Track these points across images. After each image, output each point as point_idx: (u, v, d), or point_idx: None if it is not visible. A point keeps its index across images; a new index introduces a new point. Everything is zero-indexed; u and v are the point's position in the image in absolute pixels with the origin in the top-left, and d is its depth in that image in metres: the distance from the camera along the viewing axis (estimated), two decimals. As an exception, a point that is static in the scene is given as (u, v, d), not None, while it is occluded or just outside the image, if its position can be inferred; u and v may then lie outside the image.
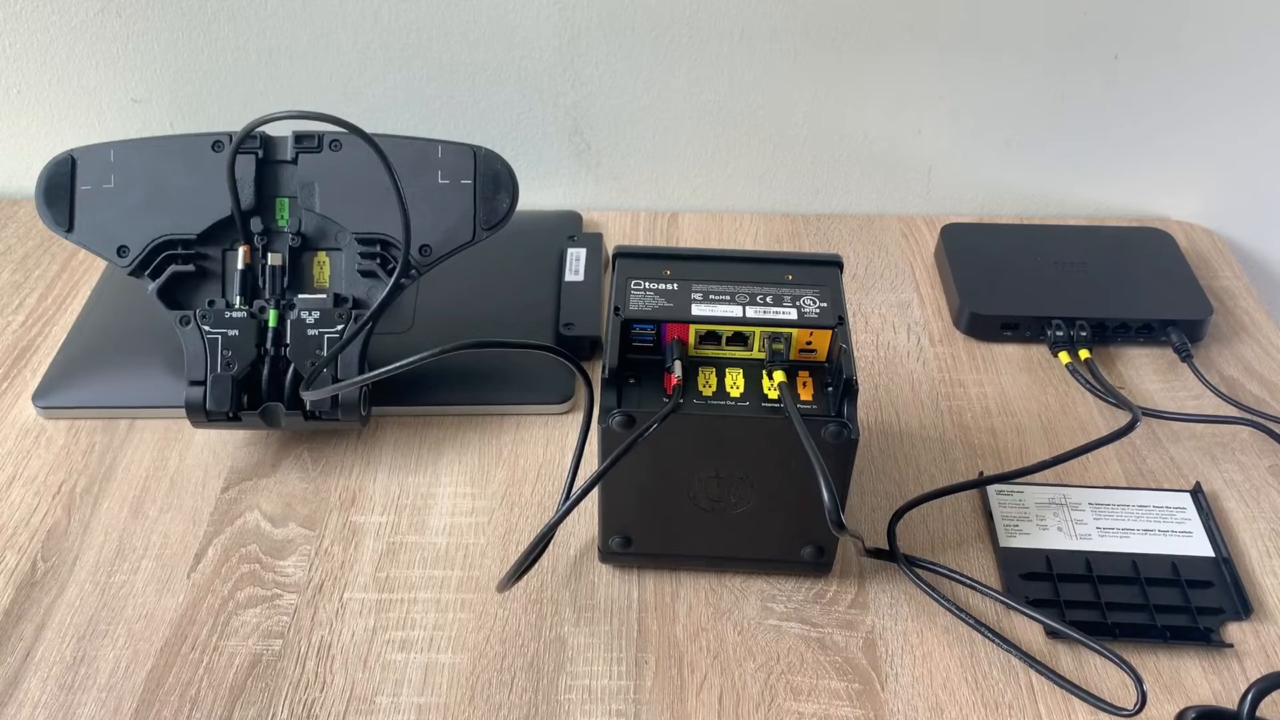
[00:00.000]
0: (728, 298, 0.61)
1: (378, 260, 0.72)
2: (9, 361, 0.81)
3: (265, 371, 0.70)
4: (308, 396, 0.68)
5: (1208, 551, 0.67)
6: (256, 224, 0.71)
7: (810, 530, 0.63)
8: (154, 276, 0.71)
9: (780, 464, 0.59)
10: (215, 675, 0.61)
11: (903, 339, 0.84)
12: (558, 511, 0.59)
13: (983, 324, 0.84)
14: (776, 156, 0.97)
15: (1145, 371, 0.81)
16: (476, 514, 0.70)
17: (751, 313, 0.60)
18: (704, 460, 0.60)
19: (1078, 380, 0.80)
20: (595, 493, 0.62)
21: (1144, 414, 0.75)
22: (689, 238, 0.96)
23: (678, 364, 0.59)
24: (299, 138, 0.72)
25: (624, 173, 0.98)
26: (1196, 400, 0.79)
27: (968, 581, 0.64)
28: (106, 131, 0.94)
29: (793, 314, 0.60)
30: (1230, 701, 0.59)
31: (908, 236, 0.96)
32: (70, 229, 0.71)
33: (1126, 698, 0.60)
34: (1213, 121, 0.93)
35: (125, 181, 0.71)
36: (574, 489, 0.65)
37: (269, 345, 0.71)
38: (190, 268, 0.71)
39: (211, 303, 0.71)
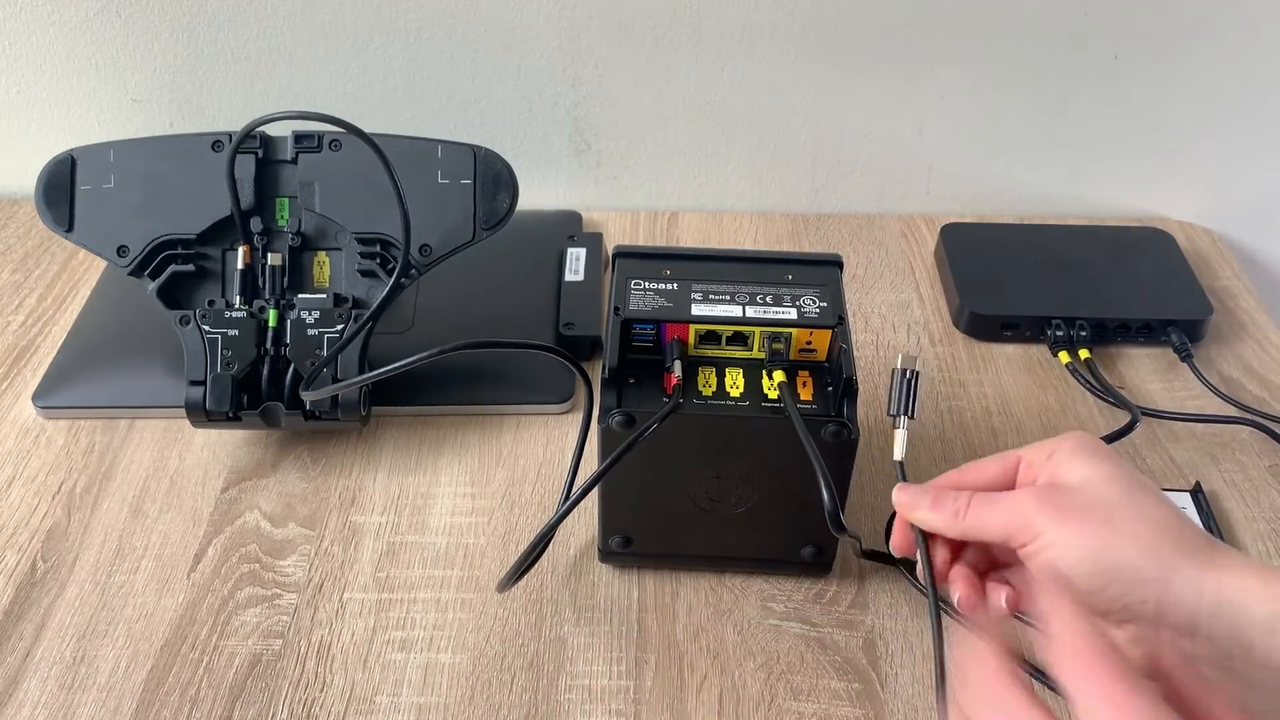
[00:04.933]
0: (728, 297, 0.61)
1: (378, 260, 0.72)
2: (9, 361, 0.81)
3: (265, 371, 0.70)
4: (308, 397, 0.68)
5: (1208, 551, 0.67)
6: (256, 224, 0.71)
7: (810, 530, 0.63)
8: (154, 276, 0.71)
9: (780, 464, 0.59)
10: (215, 675, 0.61)
11: (903, 339, 0.84)
12: (557, 512, 0.59)
13: (983, 324, 0.84)
14: (776, 156, 0.97)
15: (1145, 371, 0.81)
16: (476, 514, 0.70)
17: (751, 312, 0.60)
18: (704, 460, 0.60)
19: (1078, 380, 0.80)
20: (595, 492, 0.62)
21: (1144, 414, 0.75)
22: (689, 238, 0.96)
23: (678, 364, 0.59)
24: (299, 138, 0.72)
25: (624, 173, 0.98)
26: (1196, 400, 0.79)
27: (968, 581, 0.64)
28: (106, 131, 0.94)
29: (793, 314, 0.60)
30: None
31: (908, 236, 0.96)
32: (70, 229, 0.71)
33: (1126, 698, 0.60)
34: (1213, 121, 0.93)
35: (125, 181, 0.71)
36: (574, 489, 0.65)
37: (269, 345, 0.71)
38: (190, 268, 0.71)
39: (211, 302, 0.71)
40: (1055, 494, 0.47)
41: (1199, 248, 0.94)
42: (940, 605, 0.52)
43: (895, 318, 0.86)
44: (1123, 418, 0.73)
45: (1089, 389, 0.79)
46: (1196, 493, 0.71)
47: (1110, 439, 0.65)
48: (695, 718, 0.59)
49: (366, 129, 0.68)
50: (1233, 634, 0.41)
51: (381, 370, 0.61)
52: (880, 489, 0.71)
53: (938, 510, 0.51)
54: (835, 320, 0.60)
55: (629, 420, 0.58)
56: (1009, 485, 0.51)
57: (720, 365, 0.60)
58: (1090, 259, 0.88)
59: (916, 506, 0.52)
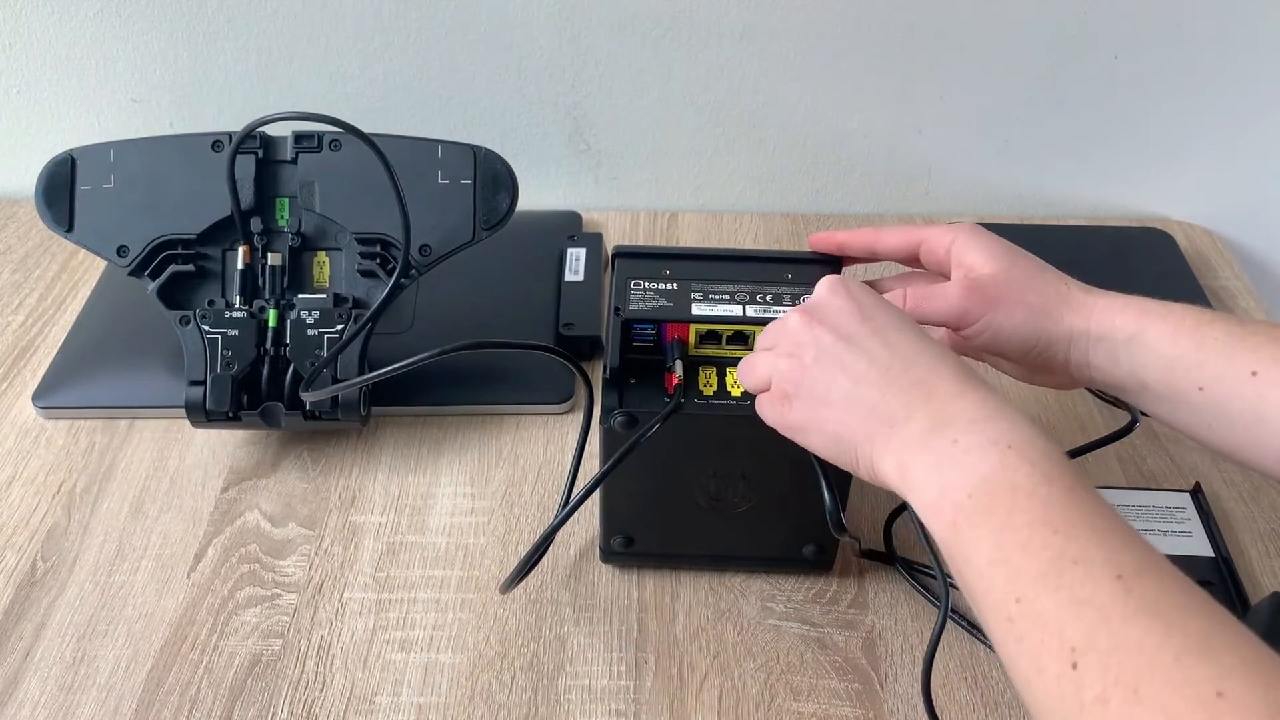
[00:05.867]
0: (728, 297, 0.61)
1: (378, 260, 0.72)
2: (9, 361, 0.81)
3: (265, 371, 0.70)
4: (308, 397, 0.68)
5: (1208, 551, 0.67)
6: (256, 224, 0.71)
7: (811, 529, 0.63)
8: (154, 276, 0.71)
9: (781, 463, 0.59)
10: (215, 675, 0.61)
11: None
12: (561, 513, 0.59)
13: (983, 324, 0.83)
14: (776, 156, 0.97)
15: (1145, 371, 0.81)
16: (476, 514, 0.70)
17: (752, 312, 0.60)
18: (706, 460, 0.60)
19: (1078, 380, 0.79)
20: (596, 493, 0.62)
21: (1144, 414, 0.75)
22: (689, 238, 0.96)
23: (679, 363, 0.59)
24: (299, 138, 0.72)
25: (624, 173, 0.98)
26: (1196, 400, 0.79)
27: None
28: (106, 131, 0.94)
29: (793, 314, 0.60)
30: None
31: (908, 236, 0.96)
32: (70, 229, 0.71)
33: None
34: (1213, 121, 0.93)
35: (125, 181, 0.71)
36: (574, 490, 0.65)
37: (269, 345, 0.71)
38: (190, 268, 0.71)
39: (211, 303, 0.71)
40: (979, 288, 0.56)
41: (1199, 248, 0.94)
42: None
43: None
44: (1123, 418, 0.73)
45: (1089, 389, 0.79)
46: (1196, 493, 0.71)
47: (1110, 439, 0.65)
48: (695, 718, 0.59)
49: (366, 129, 0.68)
50: (1133, 356, 0.53)
51: (381, 371, 0.61)
52: (879, 488, 0.71)
53: None
54: (835, 320, 0.60)
55: (631, 420, 0.58)
56: (910, 256, 0.61)
57: (721, 365, 0.60)
58: (1090, 259, 0.88)
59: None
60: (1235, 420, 0.50)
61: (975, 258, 0.57)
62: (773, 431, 0.58)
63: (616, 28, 0.89)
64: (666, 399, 0.58)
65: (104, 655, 0.62)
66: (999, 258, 0.57)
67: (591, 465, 0.61)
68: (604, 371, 0.60)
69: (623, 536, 0.64)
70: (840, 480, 0.59)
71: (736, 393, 0.59)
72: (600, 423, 0.59)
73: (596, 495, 0.63)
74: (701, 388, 0.59)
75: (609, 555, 0.66)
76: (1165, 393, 0.53)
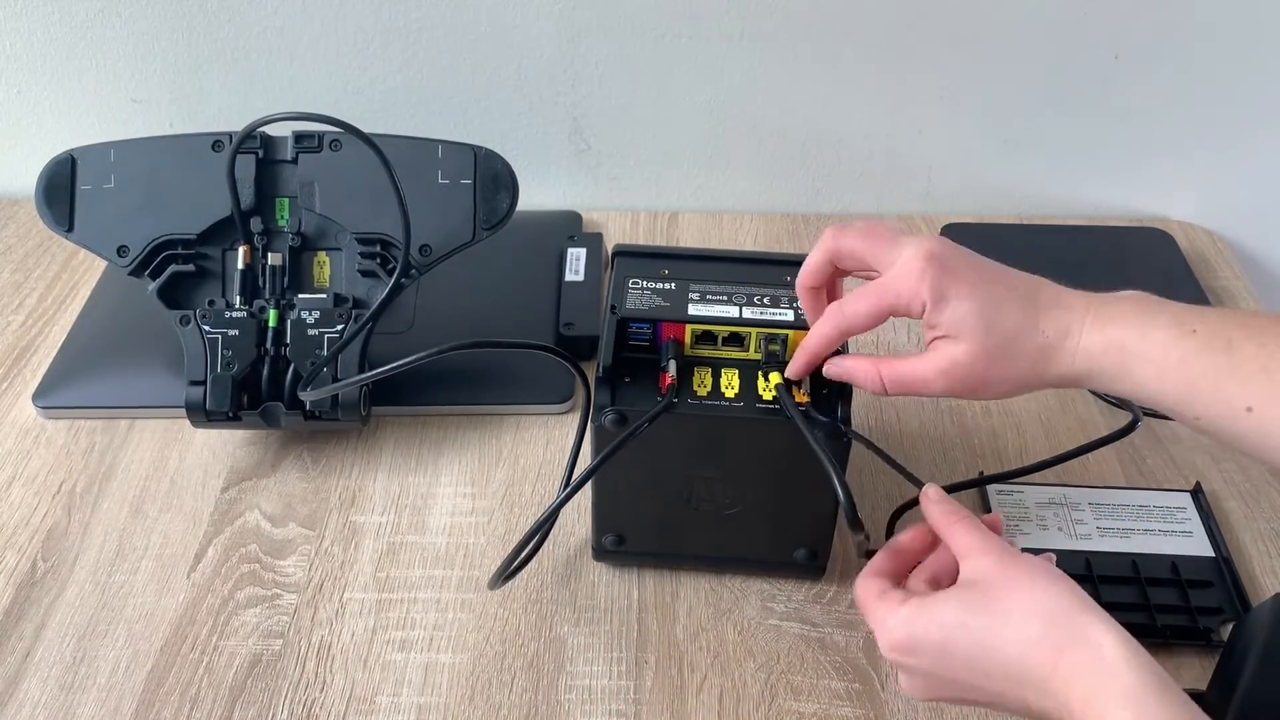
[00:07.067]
0: (725, 298, 0.61)
1: (378, 260, 0.72)
2: (9, 361, 0.81)
3: (265, 371, 0.70)
4: (307, 397, 0.68)
5: (1208, 551, 0.67)
6: (256, 224, 0.71)
7: (803, 533, 0.63)
8: (154, 276, 0.71)
9: (774, 466, 0.59)
10: (215, 675, 0.61)
11: (902, 339, 0.84)
12: (546, 511, 0.58)
13: (983, 324, 0.83)
14: (776, 156, 0.97)
15: (1145, 371, 0.81)
16: (476, 514, 0.70)
17: (748, 313, 0.60)
18: (696, 460, 0.60)
19: (1077, 380, 0.79)
20: (590, 491, 0.63)
21: (1144, 414, 0.75)
22: (688, 238, 0.96)
23: (672, 363, 0.59)
24: (299, 138, 0.72)
25: (624, 173, 0.98)
26: (1196, 400, 0.79)
27: (967, 581, 0.64)
28: (106, 131, 0.94)
29: (789, 315, 0.60)
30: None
31: (908, 236, 0.95)
32: (70, 229, 0.71)
33: (1126, 698, 0.59)
34: (1213, 121, 0.93)
35: (125, 181, 0.71)
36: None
37: (269, 345, 0.71)
38: (190, 268, 0.71)
39: (211, 302, 0.71)
40: (959, 379, 0.53)
41: (1199, 248, 0.94)
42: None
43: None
44: (1123, 418, 0.73)
45: (1089, 389, 0.78)
46: (1196, 493, 0.71)
47: (1110, 439, 0.65)
48: (695, 718, 0.59)
49: (366, 129, 0.68)
50: (1125, 388, 0.54)
51: (381, 370, 0.61)
52: (880, 489, 0.71)
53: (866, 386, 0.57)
54: (834, 320, 0.60)
55: (621, 419, 0.57)
56: (882, 320, 0.58)
57: (716, 366, 0.60)
58: (1090, 259, 0.88)
59: (846, 373, 0.58)
60: (1237, 440, 0.52)
61: (947, 329, 0.53)
62: (763, 436, 0.58)
63: (616, 28, 0.89)
64: (660, 398, 0.58)
65: (104, 655, 0.62)
66: (973, 329, 0.53)
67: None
68: (597, 370, 0.60)
69: (614, 535, 0.64)
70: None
71: (730, 394, 0.59)
72: (591, 420, 0.59)
73: (590, 493, 0.63)
74: (695, 388, 0.59)
75: (601, 553, 0.66)
76: (1166, 413, 0.55)
